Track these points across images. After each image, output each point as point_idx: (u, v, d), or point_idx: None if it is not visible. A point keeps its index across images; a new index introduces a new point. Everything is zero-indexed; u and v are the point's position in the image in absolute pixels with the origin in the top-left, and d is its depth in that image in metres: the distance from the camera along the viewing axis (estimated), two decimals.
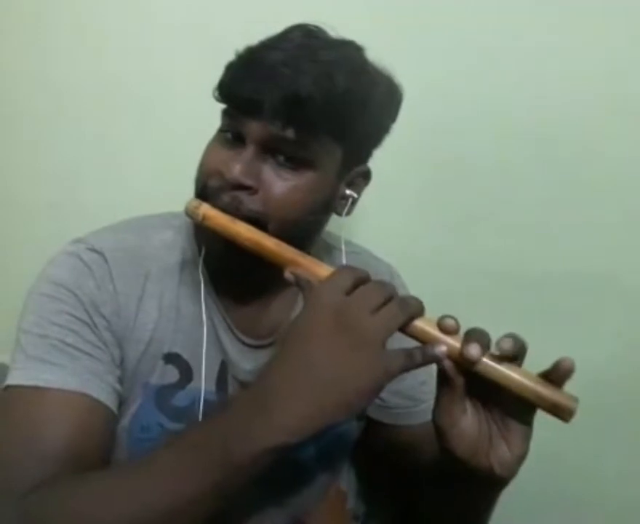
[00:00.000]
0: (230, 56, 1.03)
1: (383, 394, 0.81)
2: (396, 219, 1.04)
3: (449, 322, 0.52)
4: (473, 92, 0.96)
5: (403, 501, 0.83)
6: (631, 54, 0.91)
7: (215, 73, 1.13)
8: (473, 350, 0.50)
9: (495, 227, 1.00)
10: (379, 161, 0.96)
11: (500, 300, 1.02)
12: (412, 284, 0.88)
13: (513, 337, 0.51)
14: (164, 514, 0.51)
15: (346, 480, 0.87)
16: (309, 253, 0.70)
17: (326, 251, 0.80)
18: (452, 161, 1.00)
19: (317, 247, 0.75)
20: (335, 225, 0.78)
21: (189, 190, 0.92)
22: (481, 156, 0.99)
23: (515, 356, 0.51)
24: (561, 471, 1.03)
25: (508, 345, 0.50)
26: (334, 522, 0.84)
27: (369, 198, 1.01)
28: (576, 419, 1.05)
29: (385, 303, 0.52)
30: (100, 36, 1.15)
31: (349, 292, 0.52)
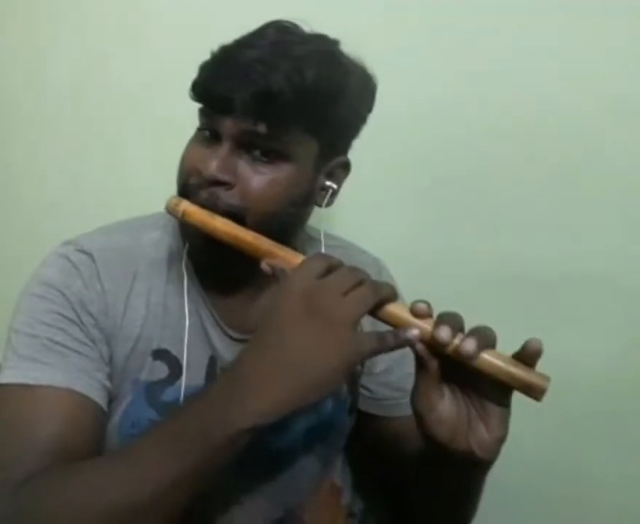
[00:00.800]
0: None
1: (372, 386, 0.82)
2: (396, 219, 1.04)
3: (421, 306, 0.53)
4: (473, 93, 0.96)
5: (399, 498, 0.83)
6: (630, 54, 0.91)
7: None
8: (443, 333, 0.51)
9: (495, 227, 1.00)
10: (379, 161, 0.97)
11: (499, 300, 1.01)
12: (412, 285, 0.87)
13: (478, 330, 0.52)
14: (148, 500, 0.52)
15: (340, 475, 0.87)
16: (293, 246, 0.71)
17: (310, 244, 0.80)
18: (452, 162, 1.00)
19: (301, 240, 0.76)
20: (330, 223, 0.79)
21: None
22: (481, 156, 0.99)
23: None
24: (560, 473, 1.03)
25: (470, 344, 0.50)
26: (329, 516, 0.83)
27: (370, 198, 1.02)
28: (576, 420, 1.05)
29: (355, 287, 0.53)
30: (100, 36, 1.16)
31: (320, 277, 0.53)
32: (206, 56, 1.09)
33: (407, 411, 0.77)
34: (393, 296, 0.54)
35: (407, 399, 0.77)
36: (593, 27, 0.91)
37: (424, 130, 0.99)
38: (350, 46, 0.69)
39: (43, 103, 1.20)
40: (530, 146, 0.97)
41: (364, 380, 0.82)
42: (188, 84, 1.14)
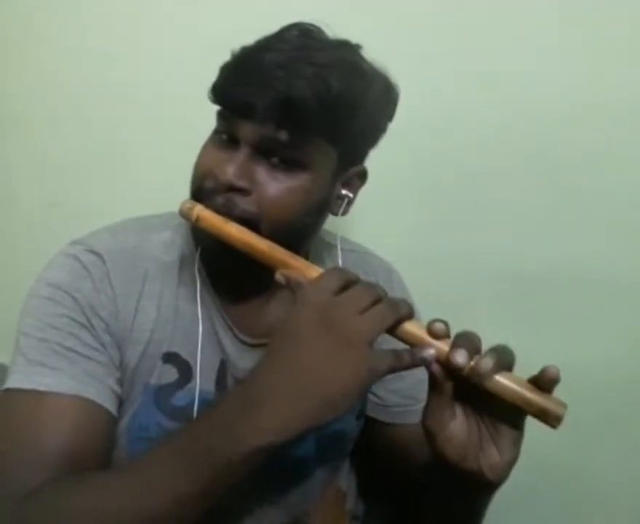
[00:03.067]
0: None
1: (381, 393, 0.81)
2: (396, 219, 1.04)
3: (439, 326, 0.53)
4: (473, 93, 0.96)
5: (401, 501, 0.83)
6: (630, 54, 0.91)
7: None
8: (460, 357, 0.50)
9: (495, 227, 1.00)
10: (379, 162, 0.97)
11: (499, 300, 1.02)
12: (412, 285, 0.88)
13: (496, 351, 0.51)
14: (158, 515, 0.51)
15: (346, 481, 0.86)
16: (307, 253, 0.71)
17: (327, 250, 0.80)
18: (452, 162, 1.00)
19: (316, 246, 0.76)
20: (333, 224, 0.78)
21: (189, 190, 0.92)
22: (481, 156, 0.99)
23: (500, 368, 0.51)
24: (560, 473, 1.03)
25: (486, 364, 0.50)
26: (333, 521, 0.83)
27: (370, 199, 1.01)
28: (577, 420, 1.05)
29: (373, 304, 0.52)
30: (101, 36, 1.15)
31: (337, 293, 0.52)
32: (207, 56, 1.09)
33: (416, 419, 0.77)
34: (409, 315, 0.54)
35: (416, 407, 0.78)
36: (592, 28, 0.91)
37: (425, 130, 0.99)
38: (371, 54, 0.68)
39: (43, 103, 1.19)
40: (530, 147, 0.97)
41: (374, 387, 0.81)
42: (189, 84, 1.14)
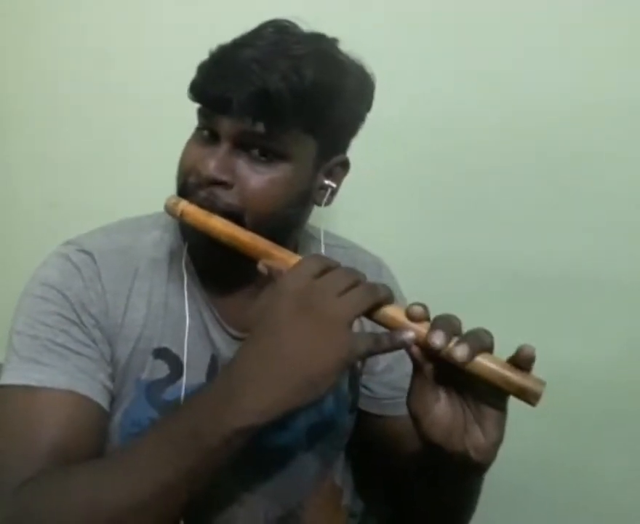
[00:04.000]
0: None
1: (372, 386, 0.82)
2: (396, 219, 1.04)
3: (417, 309, 0.53)
4: (473, 93, 0.97)
5: (399, 498, 0.83)
6: (630, 55, 0.91)
7: None
8: (436, 338, 0.50)
9: (495, 227, 1.00)
10: (380, 162, 0.97)
11: (499, 300, 1.02)
12: (411, 285, 0.88)
13: (474, 333, 0.52)
14: (146, 500, 0.53)
15: (341, 476, 0.87)
16: (292, 245, 0.71)
17: (310, 243, 0.80)
18: (452, 162, 1.00)
19: (301, 239, 0.76)
20: (332, 223, 0.79)
21: None
22: (481, 156, 0.99)
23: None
24: (560, 473, 1.03)
25: (463, 349, 0.50)
26: (329, 517, 0.83)
27: (370, 198, 1.02)
28: (577, 420, 1.05)
29: (352, 287, 0.53)
30: (101, 36, 1.15)
31: (316, 278, 0.53)
32: (206, 55, 1.09)
33: (404, 410, 0.78)
34: (388, 298, 0.54)
35: (404, 398, 0.78)
36: (592, 28, 0.92)
37: (425, 129, 0.99)
38: (350, 46, 0.69)
39: (43, 103, 1.20)
40: (530, 146, 0.97)
41: (365, 379, 0.82)
42: (188, 83, 1.14)
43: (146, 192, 1.13)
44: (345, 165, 0.73)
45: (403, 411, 0.78)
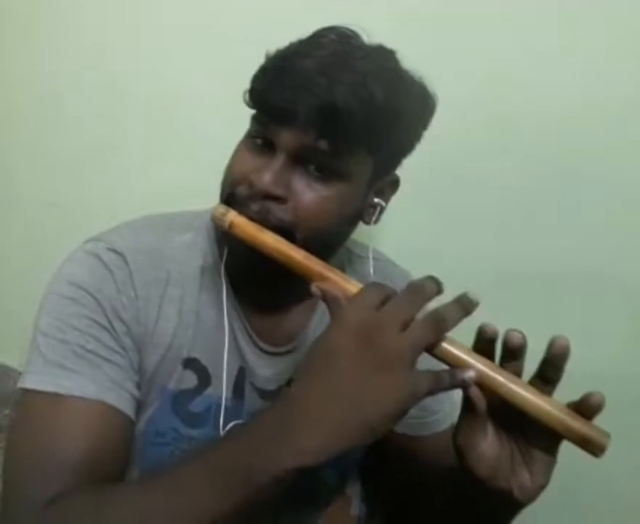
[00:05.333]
0: (232, 57, 1.01)
1: None
2: (396, 219, 1.04)
3: (517, 337, 0.52)
4: (473, 94, 0.97)
5: (402, 504, 0.83)
6: (629, 55, 0.91)
7: (216, 74, 1.11)
8: (515, 338, 0.51)
9: (495, 227, 1.00)
10: None
11: (499, 300, 1.02)
12: None
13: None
14: None
15: (352, 486, 0.87)
16: (338, 262, 0.70)
17: (348, 258, 0.79)
18: (453, 162, 1.00)
19: (339, 254, 0.74)
20: None
21: (188, 189, 0.91)
22: (480, 156, 0.99)
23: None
24: (560, 472, 1.04)
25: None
26: None
27: None
28: None
29: (413, 319, 0.50)
30: (101, 36, 1.14)
31: (377, 309, 0.51)
32: (207, 54, 1.08)
33: (429, 430, 0.79)
34: (461, 316, 0.51)
35: (430, 419, 0.78)
36: (592, 28, 0.92)
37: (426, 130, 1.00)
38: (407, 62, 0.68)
39: (43, 103, 1.18)
40: (530, 146, 0.97)
41: None
42: (190, 85, 1.13)
43: (146, 192, 1.12)
44: (395, 184, 0.72)
45: (426, 431, 0.79)
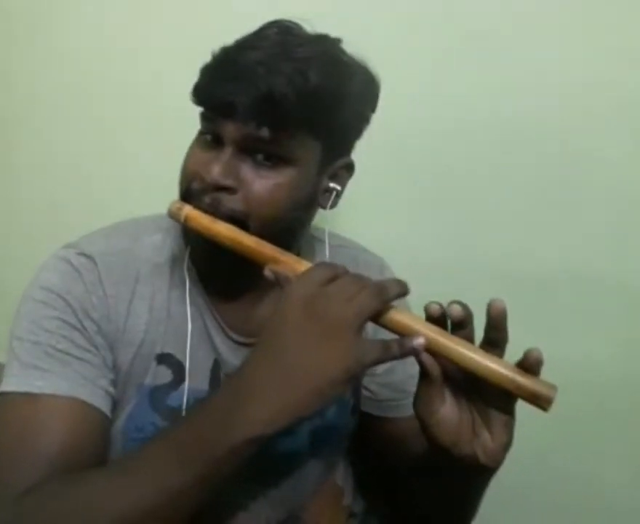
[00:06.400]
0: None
1: (373, 387, 0.82)
2: (395, 219, 1.04)
3: (435, 307, 0.53)
4: (472, 94, 0.97)
5: (400, 498, 0.83)
6: (629, 55, 0.91)
7: None
8: (455, 311, 0.52)
9: (495, 227, 1.00)
10: (380, 162, 0.96)
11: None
12: (413, 287, 0.87)
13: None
14: (150, 509, 0.52)
15: (342, 476, 0.87)
16: (296, 248, 0.71)
17: (313, 245, 0.80)
18: (452, 162, 1.00)
19: (304, 241, 0.75)
20: (333, 224, 0.79)
21: None
22: (481, 156, 0.99)
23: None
24: (560, 473, 1.03)
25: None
26: (330, 517, 0.83)
27: (370, 199, 1.01)
28: (576, 420, 1.05)
29: (360, 292, 0.52)
30: (102, 36, 1.15)
31: (324, 285, 0.53)
32: (207, 55, 1.08)
33: (408, 412, 0.77)
34: (398, 292, 0.54)
35: (409, 401, 0.76)
36: (592, 28, 0.91)
37: (424, 131, 0.99)
38: (352, 47, 0.68)
39: (43, 103, 1.20)
40: (530, 146, 0.96)
41: (366, 381, 0.82)
42: (190, 84, 1.13)
43: (146, 192, 1.13)
44: (349, 167, 0.72)
45: (404, 413, 0.79)
